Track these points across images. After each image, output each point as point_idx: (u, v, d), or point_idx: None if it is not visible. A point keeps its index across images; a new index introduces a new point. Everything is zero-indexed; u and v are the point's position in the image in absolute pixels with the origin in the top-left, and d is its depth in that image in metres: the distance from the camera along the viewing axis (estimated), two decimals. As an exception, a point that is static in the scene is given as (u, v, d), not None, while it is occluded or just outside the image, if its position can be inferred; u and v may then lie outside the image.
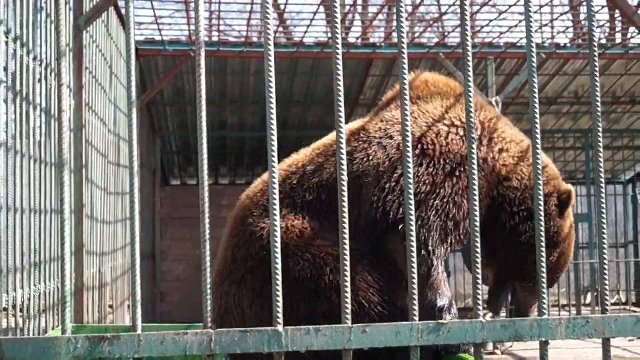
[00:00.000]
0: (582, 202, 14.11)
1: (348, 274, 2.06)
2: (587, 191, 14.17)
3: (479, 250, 2.13)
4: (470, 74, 2.21)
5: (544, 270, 2.17)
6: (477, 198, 2.19)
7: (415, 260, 2.09)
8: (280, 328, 2.03)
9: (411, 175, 2.17)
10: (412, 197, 2.15)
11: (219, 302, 3.03)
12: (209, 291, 2.03)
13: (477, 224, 2.16)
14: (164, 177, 15.10)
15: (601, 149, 2.29)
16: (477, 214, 2.17)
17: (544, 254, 2.17)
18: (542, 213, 2.20)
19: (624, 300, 14.55)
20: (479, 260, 2.13)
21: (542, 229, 2.19)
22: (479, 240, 2.14)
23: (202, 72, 2.12)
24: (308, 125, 13.76)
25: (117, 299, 8.02)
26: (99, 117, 7.13)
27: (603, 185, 2.27)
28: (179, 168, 15.84)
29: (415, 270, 2.09)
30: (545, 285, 2.17)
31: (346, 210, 2.11)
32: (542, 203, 2.21)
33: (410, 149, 2.20)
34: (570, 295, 13.25)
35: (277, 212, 2.06)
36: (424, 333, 2.05)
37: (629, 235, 15.40)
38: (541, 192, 2.21)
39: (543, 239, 2.19)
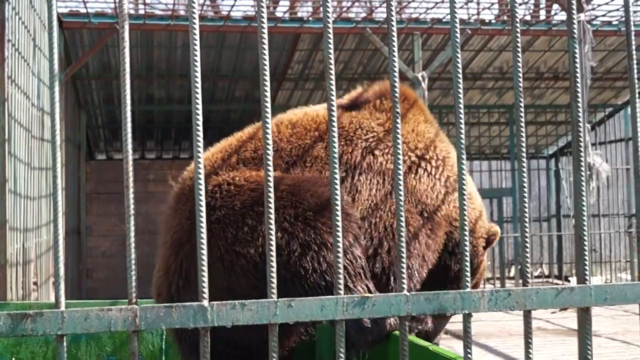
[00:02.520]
0: (506, 176, 14.40)
1: (273, 244, 2.06)
2: (511, 165, 14.45)
3: (403, 230, 2.16)
4: (395, 49, 2.22)
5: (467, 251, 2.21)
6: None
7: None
8: (205, 303, 2.02)
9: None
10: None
11: (179, 270, 3.04)
12: (133, 267, 2.01)
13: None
14: (90, 152, 14.85)
15: (522, 124, 2.33)
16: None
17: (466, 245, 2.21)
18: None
19: (546, 272, 14.94)
20: (403, 231, 2.16)
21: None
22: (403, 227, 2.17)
23: (126, 45, 2.09)
24: (236, 98, 13.69)
25: (41, 276, 7.88)
26: (22, 90, 6.96)
27: (525, 161, 2.32)
28: (105, 142, 15.60)
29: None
30: (467, 263, 2.21)
31: (271, 187, 2.10)
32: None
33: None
34: (494, 268, 13.54)
35: (203, 191, 2.05)
36: (349, 306, 2.07)
37: (551, 209, 15.78)
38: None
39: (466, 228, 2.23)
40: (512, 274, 14.15)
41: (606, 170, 8.53)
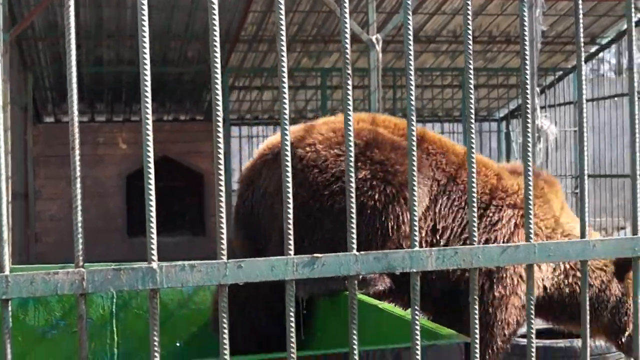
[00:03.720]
0: (459, 138, 14.50)
1: (224, 207, 2.06)
2: (463, 128, 14.56)
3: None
4: (347, 11, 2.21)
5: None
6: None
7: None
8: (154, 265, 2.01)
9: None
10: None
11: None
12: (80, 230, 1.99)
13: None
14: (37, 114, 14.59)
15: (472, 87, 2.34)
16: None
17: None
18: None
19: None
20: (352, 195, 2.17)
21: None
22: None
23: (71, 4, 2.04)
24: (188, 60, 13.54)
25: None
26: (-35, 51, 6.79)
27: (473, 123, 2.34)
28: (53, 105, 15.32)
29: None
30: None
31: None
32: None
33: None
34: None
35: (151, 152, 2.03)
36: (299, 267, 2.08)
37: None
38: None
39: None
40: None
41: (554, 133, 8.65)
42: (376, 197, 3.39)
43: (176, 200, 13.84)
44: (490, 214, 3.68)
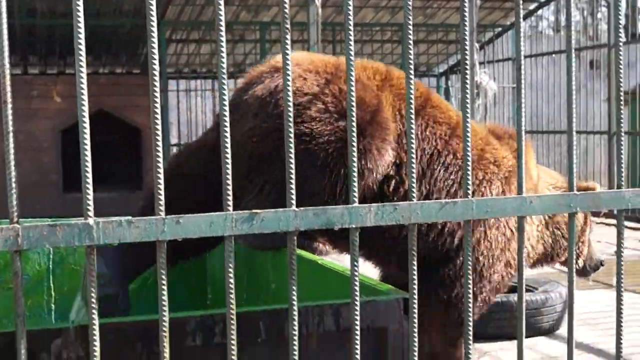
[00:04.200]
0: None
1: (161, 161, 2.03)
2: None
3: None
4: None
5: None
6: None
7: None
8: (91, 221, 1.98)
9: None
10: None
11: None
12: (13, 185, 1.95)
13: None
14: (-31, 67, 14.14)
15: (411, 43, 2.34)
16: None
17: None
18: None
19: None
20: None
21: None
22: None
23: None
24: (124, 13, 13.26)
25: None
26: None
27: (412, 78, 2.34)
28: (-16, 57, 14.86)
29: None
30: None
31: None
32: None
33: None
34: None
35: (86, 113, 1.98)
36: (238, 222, 2.07)
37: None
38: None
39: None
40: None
41: (493, 89, 8.73)
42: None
43: (113, 155, 13.64)
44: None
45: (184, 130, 14.07)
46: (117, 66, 14.56)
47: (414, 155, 2.30)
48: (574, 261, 2.53)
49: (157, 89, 2.06)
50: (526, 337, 5.54)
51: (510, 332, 5.34)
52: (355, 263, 2.19)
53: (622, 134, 2.65)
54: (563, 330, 5.76)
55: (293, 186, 2.15)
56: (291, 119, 2.14)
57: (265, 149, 3.40)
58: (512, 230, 3.75)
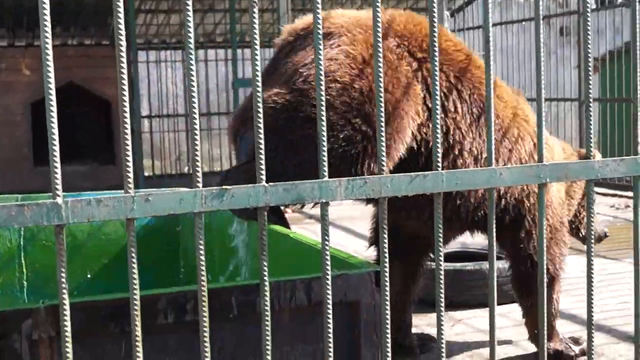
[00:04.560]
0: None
1: (129, 136, 2.01)
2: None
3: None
4: None
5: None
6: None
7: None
8: (59, 200, 1.96)
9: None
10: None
11: None
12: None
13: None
14: None
15: (379, 9, 2.32)
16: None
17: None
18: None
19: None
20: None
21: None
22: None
23: None
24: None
25: None
26: None
27: (380, 44, 2.33)
28: (-50, 29, 14.64)
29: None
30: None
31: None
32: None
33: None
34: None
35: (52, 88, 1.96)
36: (208, 199, 2.06)
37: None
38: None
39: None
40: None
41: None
42: None
43: (84, 128, 13.52)
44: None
45: (154, 102, 13.95)
46: (86, 37, 14.38)
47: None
48: (543, 235, 2.55)
49: (124, 62, 2.04)
50: (499, 304, 5.61)
51: (484, 300, 5.39)
52: (326, 237, 2.19)
53: (591, 104, 2.65)
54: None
55: (263, 161, 2.14)
56: (259, 95, 2.13)
57: (275, 124, 3.32)
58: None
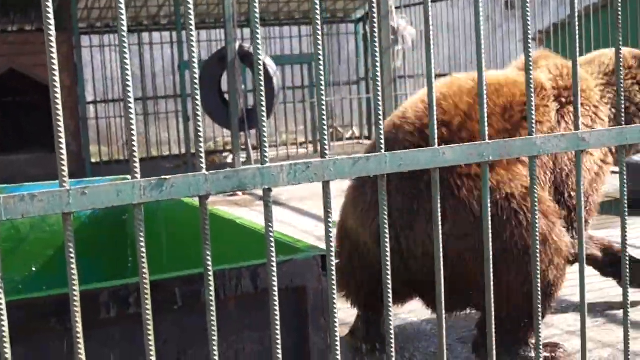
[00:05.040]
0: (309, 41, 14.46)
1: (62, 127, 1.95)
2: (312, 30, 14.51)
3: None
4: None
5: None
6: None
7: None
8: (-8, 196, 1.90)
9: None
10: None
11: None
12: None
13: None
14: None
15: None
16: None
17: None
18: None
19: (357, 134, 15.35)
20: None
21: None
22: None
23: None
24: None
25: None
26: None
27: (319, 25, 2.30)
28: None
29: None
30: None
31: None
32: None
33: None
34: (307, 132, 13.79)
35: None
36: (147, 190, 2.02)
37: (360, 72, 16.08)
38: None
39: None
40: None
41: (411, 34, 8.73)
42: None
43: (28, 115, 13.27)
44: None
45: (100, 87, 13.74)
46: (26, 23, 14.10)
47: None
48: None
49: (54, 46, 1.98)
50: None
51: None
52: (270, 224, 2.16)
53: (531, 77, 2.65)
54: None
55: (202, 148, 2.10)
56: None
57: None
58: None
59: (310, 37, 14.99)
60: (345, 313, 5.12)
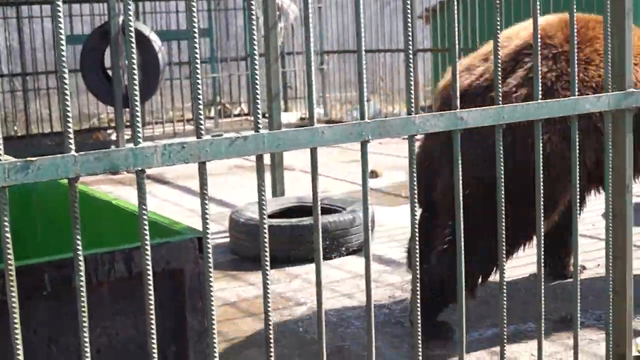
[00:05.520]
0: (204, 15, 14.26)
1: None
2: (207, 5, 14.34)
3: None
4: None
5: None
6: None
7: None
8: None
9: None
10: None
11: None
12: None
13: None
14: None
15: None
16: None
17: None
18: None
19: (246, 110, 15.22)
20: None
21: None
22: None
23: None
24: None
25: None
26: None
27: (194, 2, 2.23)
28: None
29: None
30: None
31: None
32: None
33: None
34: (192, 109, 13.59)
35: None
36: (11, 172, 1.92)
37: (249, 48, 15.94)
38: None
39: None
40: (211, 113, 14.26)
41: (294, 11, 8.69)
42: None
43: None
44: None
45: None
46: None
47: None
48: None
49: None
50: (335, 257, 5.66)
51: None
52: (144, 206, 2.10)
53: (411, 56, 2.66)
54: (372, 248, 5.92)
55: (70, 129, 2.01)
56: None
57: None
58: None
59: (201, 12, 14.76)
60: (230, 292, 5.09)
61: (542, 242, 3.01)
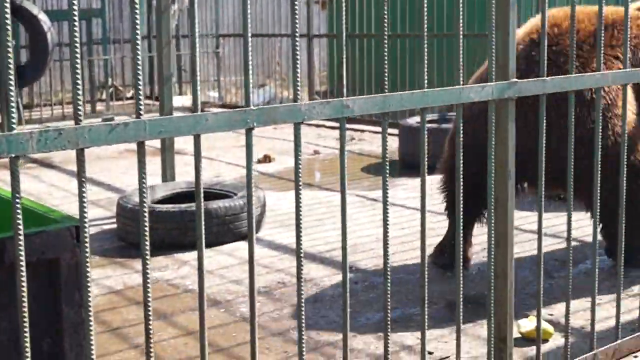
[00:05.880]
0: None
1: None
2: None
3: None
4: None
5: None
6: None
7: None
8: None
9: None
10: None
11: None
12: None
13: None
14: None
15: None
16: None
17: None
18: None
19: (147, 93, 14.93)
20: None
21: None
22: None
23: None
24: None
25: None
26: None
27: None
28: None
29: None
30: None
31: None
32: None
33: None
34: (84, 91, 13.25)
35: None
36: None
37: (143, 30, 15.62)
38: None
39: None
40: (103, 96, 13.95)
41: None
42: None
43: None
44: None
45: None
46: None
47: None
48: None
49: None
50: (226, 242, 5.63)
51: (211, 240, 5.40)
52: (17, 194, 2.02)
53: (297, 39, 2.65)
54: (262, 233, 5.93)
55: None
56: None
57: None
58: None
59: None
60: (115, 280, 4.99)
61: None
